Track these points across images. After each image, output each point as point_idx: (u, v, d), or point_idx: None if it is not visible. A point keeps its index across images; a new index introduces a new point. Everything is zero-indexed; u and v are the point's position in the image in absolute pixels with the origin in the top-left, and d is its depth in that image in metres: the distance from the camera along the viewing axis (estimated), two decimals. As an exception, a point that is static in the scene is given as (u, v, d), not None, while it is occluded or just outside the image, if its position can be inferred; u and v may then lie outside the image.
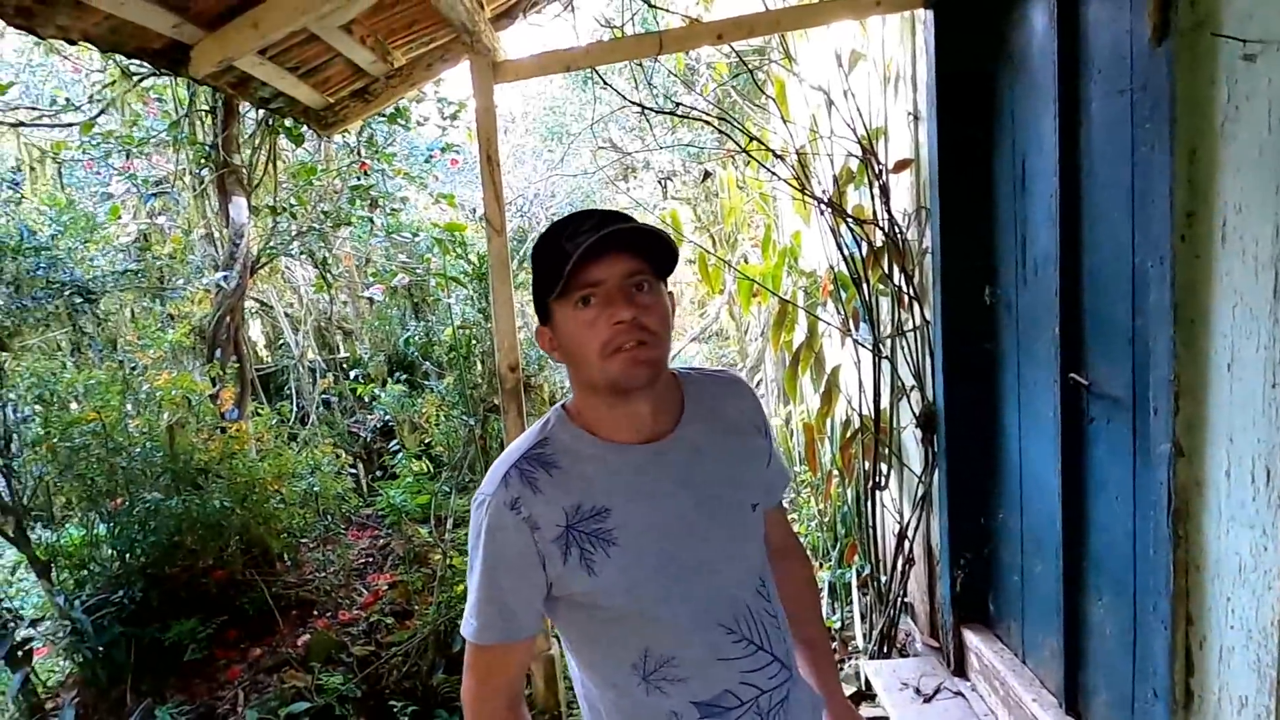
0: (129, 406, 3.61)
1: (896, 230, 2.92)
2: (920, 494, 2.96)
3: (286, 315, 5.44)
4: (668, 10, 3.07)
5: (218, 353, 3.84)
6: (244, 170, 3.80)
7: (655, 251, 1.06)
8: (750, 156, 2.96)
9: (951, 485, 2.74)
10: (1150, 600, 1.73)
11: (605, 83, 2.77)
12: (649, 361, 1.04)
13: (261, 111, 3.51)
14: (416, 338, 4.77)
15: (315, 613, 3.78)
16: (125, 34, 2.08)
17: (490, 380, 3.63)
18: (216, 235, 4.06)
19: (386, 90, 2.93)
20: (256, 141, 3.81)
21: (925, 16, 2.59)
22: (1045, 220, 2.19)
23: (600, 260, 1.02)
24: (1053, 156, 2.10)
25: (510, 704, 1.12)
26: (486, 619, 1.08)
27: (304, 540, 4.05)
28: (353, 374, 5.27)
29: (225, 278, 3.78)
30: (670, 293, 1.13)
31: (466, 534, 3.68)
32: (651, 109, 2.78)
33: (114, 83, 4.00)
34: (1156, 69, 1.54)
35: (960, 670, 2.80)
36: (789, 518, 1.40)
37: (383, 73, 2.85)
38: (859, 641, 3.35)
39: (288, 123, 3.76)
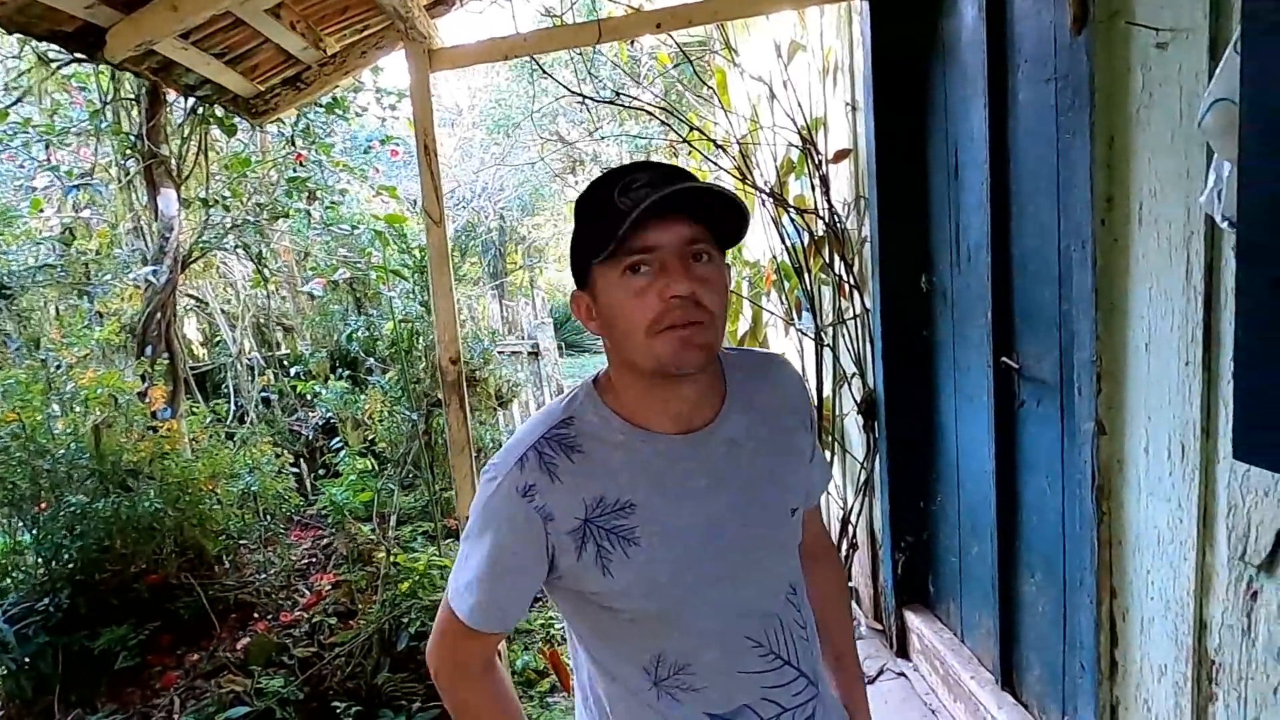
0: (54, 407, 3.47)
1: (836, 220, 2.95)
2: (863, 480, 3.01)
3: (223, 311, 5.29)
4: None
5: (148, 350, 3.71)
6: (173, 161, 3.67)
7: (719, 218, 0.92)
8: (692, 147, 2.96)
9: (892, 470, 2.79)
10: (1077, 576, 1.78)
11: (545, 72, 2.73)
12: (703, 345, 0.91)
13: (190, 100, 3.39)
14: (359, 333, 4.67)
15: (255, 615, 3.68)
16: (33, 14, 1.98)
17: (434, 374, 3.57)
18: (145, 229, 3.92)
19: (320, 78, 2.86)
20: (186, 131, 3.69)
21: (861, 7, 2.62)
22: (977, 208, 2.23)
23: (659, 223, 0.89)
24: (983, 145, 2.14)
25: (486, 668, 1.05)
26: (485, 604, 0.99)
27: (243, 542, 3.94)
28: (293, 371, 5.15)
29: (154, 272, 3.65)
30: (729, 266, 1.00)
31: (411, 531, 3.59)
32: (592, 99, 2.75)
33: (31, 69, 3.83)
34: (1076, 58, 1.57)
35: (903, 651, 2.86)
36: (823, 521, 1.30)
37: (315, 60, 2.78)
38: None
39: (219, 112, 3.64)
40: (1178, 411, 1.40)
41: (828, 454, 3.22)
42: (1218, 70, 1.12)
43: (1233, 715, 1.34)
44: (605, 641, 1.02)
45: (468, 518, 1.03)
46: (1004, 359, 2.16)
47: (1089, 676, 1.72)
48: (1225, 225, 1.17)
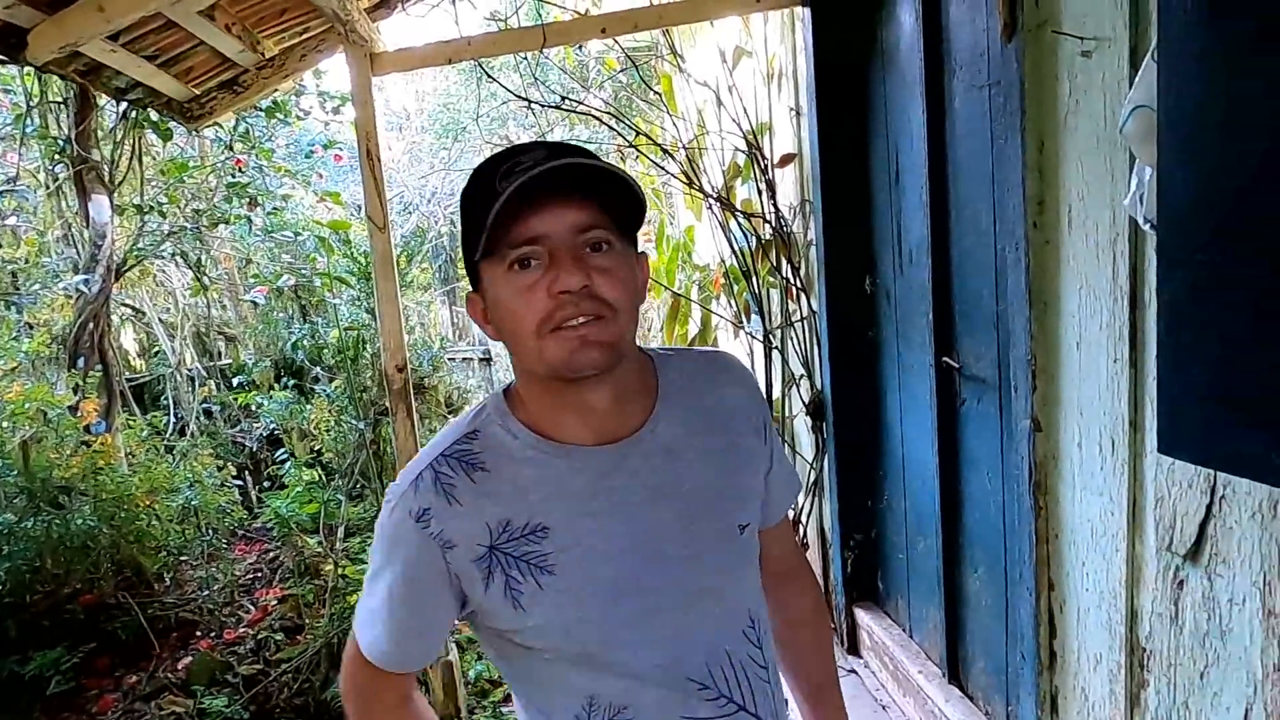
0: (-21, 423, 3.33)
1: (783, 223, 2.99)
2: (812, 479, 3.04)
3: (161, 321, 5.13)
4: (555, 4, 3.04)
5: (80, 362, 3.58)
6: (105, 166, 3.55)
7: (618, 199, 0.81)
8: (639, 152, 2.97)
9: (840, 470, 2.83)
10: (1017, 569, 1.83)
11: (491, 77, 2.72)
12: (602, 343, 0.80)
13: (123, 104, 3.28)
14: (304, 341, 4.57)
15: (198, 633, 3.58)
16: (-50, 14, 1.90)
17: (381, 382, 3.52)
18: (76, 236, 3.78)
19: (258, 81, 2.79)
20: (119, 136, 3.57)
21: (803, 14, 2.66)
22: (917, 210, 2.28)
23: (543, 209, 0.78)
24: (922, 149, 2.19)
25: (400, 702, 0.95)
26: (386, 640, 0.89)
27: (184, 558, 3.83)
28: (236, 381, 5.02)
29: (86, 281, 3.52)
30: (643, 254, 0.90)
31: (360, 543, 3.52)
32: (538, 103, 2.74)
33: (-50, 71, 3.67)
34: (1008, 64, 1.62)
35: (854, 648, 2.89)
36: (794, 535, 1.18)
37: (253, 63, 2.72)
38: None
39: (154, 116, 3.53)
40: (1108, 407, 1.45)
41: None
42: (1137, 78, 1.16)
43: (1163, 700, 1.38)
44: (533, 685, 0.91)
45: None
46: (945, 359, 2.20)
47: (1029, 667, 1.76)
48: (1148, 227, 1.22)
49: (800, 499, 3.12)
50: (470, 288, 0.89)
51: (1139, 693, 1.44)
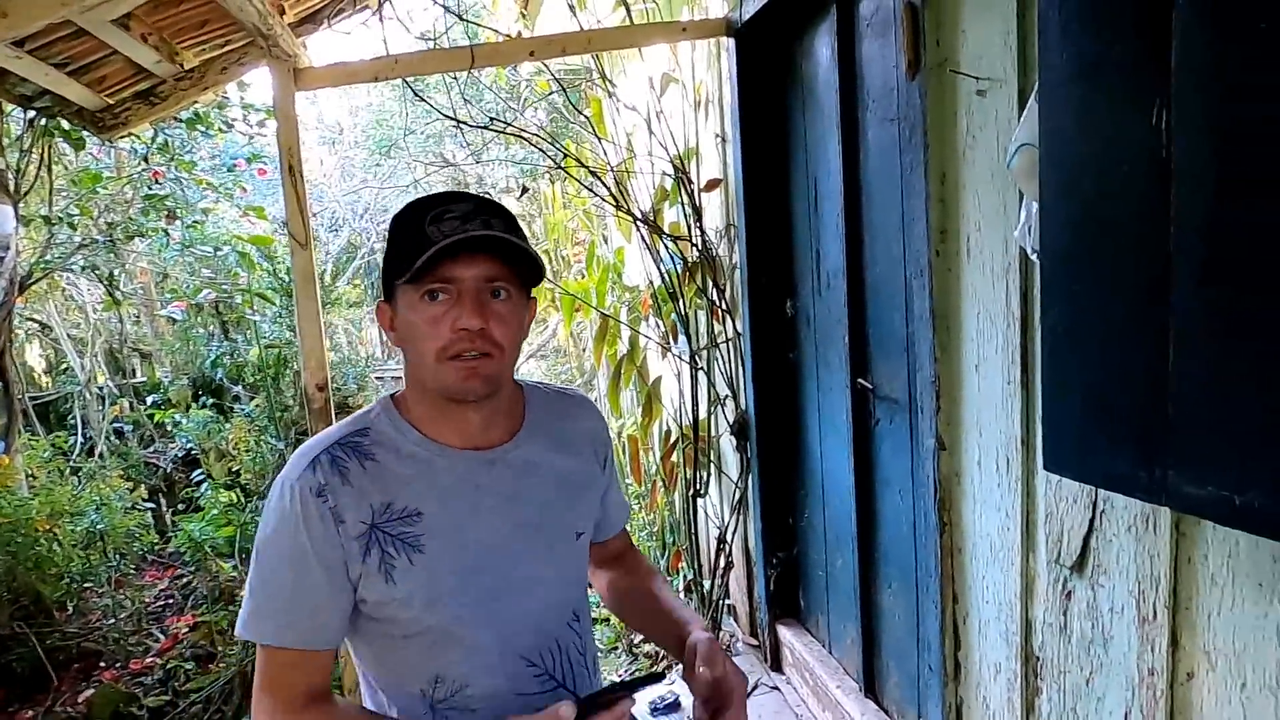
0: None
1: (709, 247, 3.05)
2: (737, 498, 3.09)
3: (70, 336, 4.90)
4: (485, 26, 3.06)
5: (-22, 379, 3.40)
6: (10, 175, 3.40)
7: (523, 260, 0.98)
8: (566, 174, 2.99)
9: (764, 489, 2.88)
10: (925, 583, 1.90)
11: (419, 96, 2.71)
12: (487, 377, 0.97)
13: (30, 112, 3.16)
14: (224, 359, 4.43)
15: (101, 664, 3.41)
16: None
17: (303, 402, 3.44)
18: (-24, 247, 3.59)
19: (176, 93, 2.72)
20: (26, 144, 3.43)
21: (728, 44, 2.73)
22: (834, 237, 2.36)
23: (464, 258, 0.94)
24: (838, 179, 2.27)
25: (319, 698, 0.98)
26: (290, 618, 0.94)
27: (88, 585, 3.65)
28: (150, 399, 4.82)
29: (-13, 294, 3.35)
30: (534, 299, 1.07)
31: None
32: (466, 124, 2.75)
33: None
34: (912, 100, 1.70)
35: (777, 665, 2.94)
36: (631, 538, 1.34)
37: (170, 74, 2.65)
38: (685, 646, 3.44)
39: (65, 124, 3.40)
40: (1003, 427, 1.52)
41: (704, 474, 3.29)
42: (1023, 117, 1.23)
43: (1054, 706, 1.45)
44: (384, 666, 1.03)
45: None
46: (860, 380, 2.28)
47: (936, 678, 1.82)
48: (1035, 258, 1.29)
49: (726, 516, 3.17)
50: (382, 298, 1.03)
51: (1033, 700, 1.51)
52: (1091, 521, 1.30)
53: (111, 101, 2.70)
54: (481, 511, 1.01)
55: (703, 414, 3.21)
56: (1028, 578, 1.49)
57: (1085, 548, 1.32)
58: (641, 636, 3.10)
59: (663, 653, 3.23)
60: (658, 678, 1.01)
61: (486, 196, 1.02)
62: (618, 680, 1.10)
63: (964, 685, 1.76)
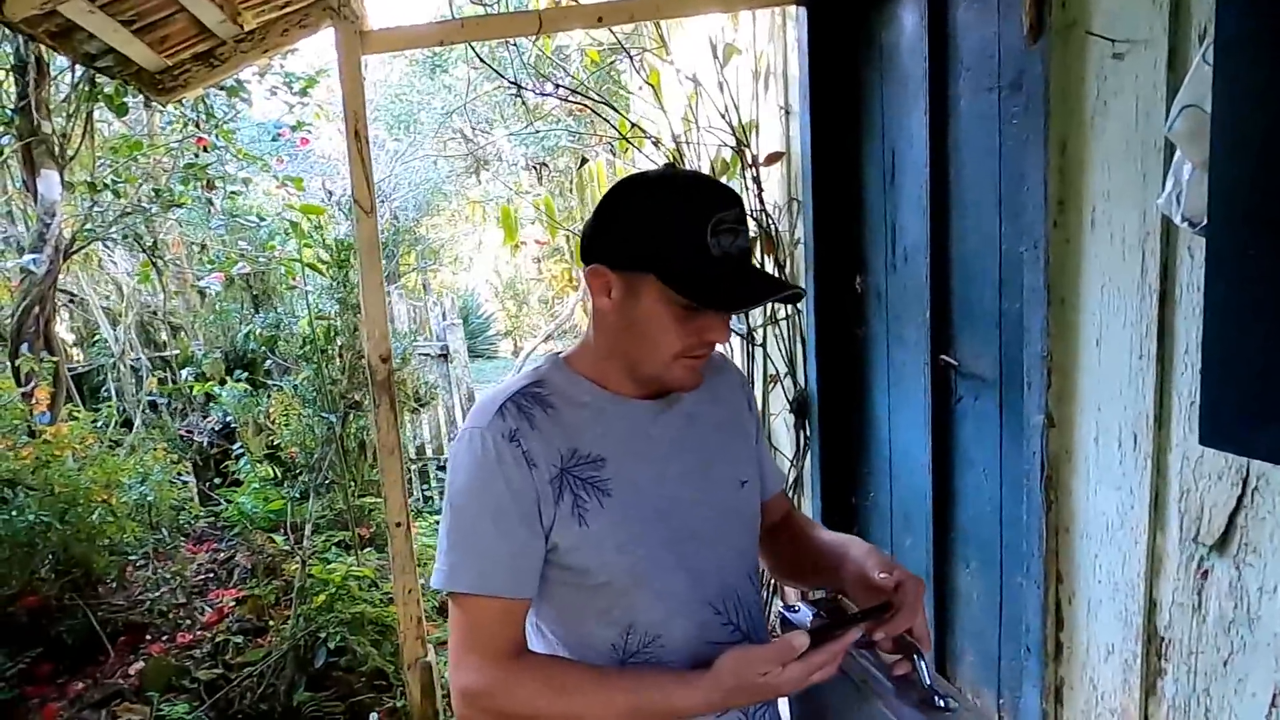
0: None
1: (769, 221, 3.00)
2: (793, 478, 3.06)
3: (103, 309, 4.86)
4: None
5: (24, 348, 3.36)
6: (56, 140, 3.34)
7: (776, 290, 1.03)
8: (629, 143, 2.94)
9: (825, 468, 2.84)
10: (1021, 563, 1.86)
11: (481, 59, 2.65)
12: (700, 371, 1.03)
13: (76, 74, 3.10)
14: (260, 331, 4.39)
15: (148, 637, 3.40)
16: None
17: (351, 374, 3.40)
18: (20, 213, 3.55)
19: (235, 55, 2.66)
20: (72, 108, 3.36)
21: (798, 14, 2.67)
22: (915, 211, 2.30)
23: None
24: (923, 150, 2.21)
25: (526, 652, 1.00)
26: (494, 565, 0.95)
27: (132, 557, 3.63)
28: (184, 373, 4.79)
29: (34, 261, 3.31)
30: None
31: (324, 541, 3.38)
32: (530, 90, 2.69)
33: (-117, 33, 3.40)
34: (1031, 66, 1.64)
35: (834, 645, 2.91)
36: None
37: (231, 35, 2.59)
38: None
39: (108, 89, 3.35)
40: (1129, 403, 1.48)
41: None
42: (1187, 78, 1.18)
43: (1182, 688, 1.42)
44: (571, 620, 1.02)
45: (450, 490, 0.99)
46: (943, 356, 2.23)
47: (1035, 659, 1.79)
48: (1185, 226, 1.25)
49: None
50: (601, 261, 0.99)
51: (1155, 681, 1.48)
52: (1240, 498, 1.26)
53: (170, 63, 2.64)
54: (655, 460, 1.04)
55: (758, 391, 3.17)
56: (1154, 556, 1.46)
57: (1230, 525, 1.28)
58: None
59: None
60: (883, 609, 0.99)
61: (729, 188, 1.01)
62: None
63: (1066, 665, 1.73)
